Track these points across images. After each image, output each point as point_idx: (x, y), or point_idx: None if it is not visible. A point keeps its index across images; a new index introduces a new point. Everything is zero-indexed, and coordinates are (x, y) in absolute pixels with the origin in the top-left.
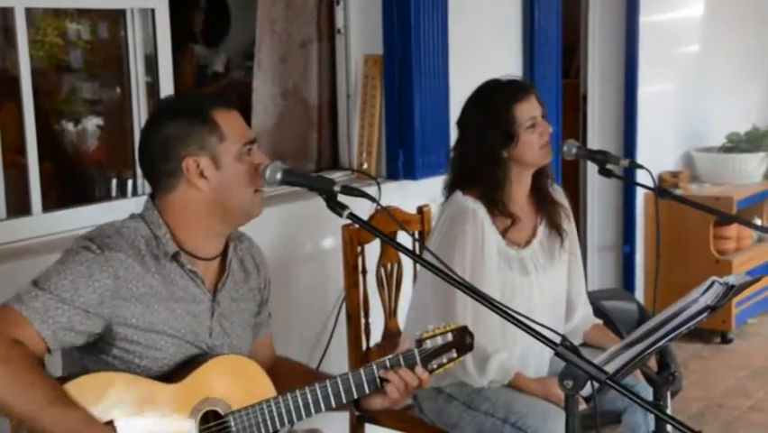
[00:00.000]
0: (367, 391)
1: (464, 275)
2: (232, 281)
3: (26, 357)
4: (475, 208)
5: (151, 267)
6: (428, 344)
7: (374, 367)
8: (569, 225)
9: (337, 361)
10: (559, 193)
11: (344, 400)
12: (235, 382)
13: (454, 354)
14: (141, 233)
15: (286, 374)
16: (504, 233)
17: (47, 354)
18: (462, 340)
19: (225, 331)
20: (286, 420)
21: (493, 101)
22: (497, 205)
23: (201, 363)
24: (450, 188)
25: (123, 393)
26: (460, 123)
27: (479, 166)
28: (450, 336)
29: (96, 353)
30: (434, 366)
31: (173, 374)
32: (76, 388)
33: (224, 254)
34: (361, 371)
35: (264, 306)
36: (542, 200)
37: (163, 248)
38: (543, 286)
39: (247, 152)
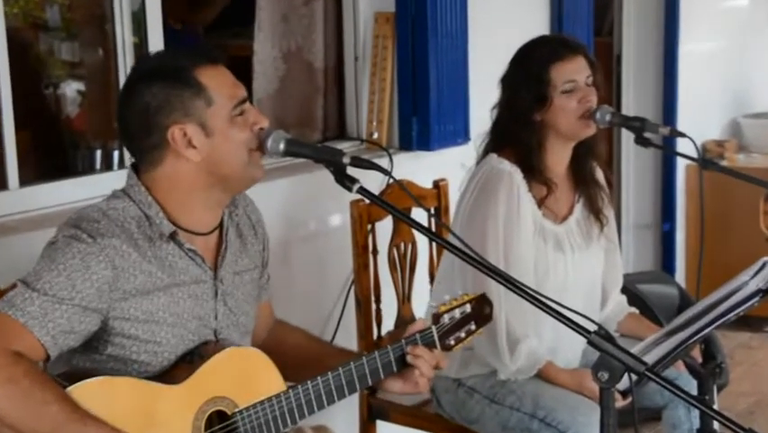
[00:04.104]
0: (382, 376)
1: (497, 242)
2: (231, 254)
3: (33, 371)
4: (512, 172)
5: (147, 251)
6: (446, 318)
7: (389, 350)
8: (609, 211)
9: None
10: (599, 174)
11: (358, 389)
12: (241, 377)
13: (473, 327)
14: (130, 213)
15: (286, 344)
16: (540, 202)
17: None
18: (481, 310)
19: (231, 310)
20: (297, 415)
21: (530, 56)
22: (533, 171)
23: (204, 358)
24: (484, 150)
25: (124, 401)
26: (501, 78)
27: (512, 127)
28: (468, 308)
29: (88, 352)
30: (452, 342)
31: (175, 371)
32: (75, 397)
33: (220, 225)
34: (376, 354)
35: (265, 268)
36: (581, 177)
37: (157, 229)
38: (577, 268)
39: (240, 112)
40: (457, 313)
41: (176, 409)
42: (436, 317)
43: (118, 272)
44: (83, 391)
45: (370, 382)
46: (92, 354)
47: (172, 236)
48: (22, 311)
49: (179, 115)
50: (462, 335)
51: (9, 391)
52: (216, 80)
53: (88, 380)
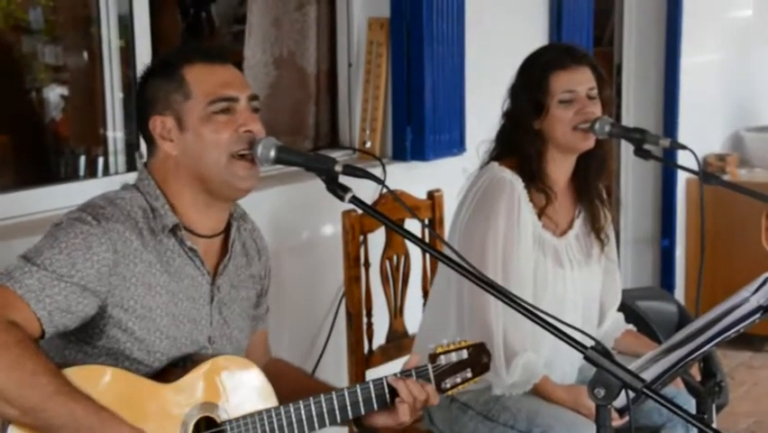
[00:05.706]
0: (375, 407)
1: (497, 254)
2: (233, 265)
3: (25, 340)
4: (513, 181)
5: (149, 242)
6: (442, 360)
7: (384, 380)
8: (610, 231)
9: (335, 366)
10: (604, 191)
11: (351, 416)
12: (234, 386)
13: (469, 374)
14: (137, 203)
15: (282, 380)
16: (540, 213)
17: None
18: (479, 358)
19: (225, 320)
20: None
21: (534, 63)
22: (533, 179)
23: (198, 362)
24: (488, 158)
25: (113, 390)
26: (509, 86)
27: (513, 135)
28: (465, 354)
29: (81, 343)
30: (448, 385)
31: (167, 373)
32: None
33: (226, 234)
34: (370, 383)
35: (264, 297)
36: (584, 192)
37: (161, 221)
38: (576, 284)
39: (221, 110)
40: (454, 356)
41: (165, 408)
42: (433, 357)
43: (119, 257)
44: (73, 375)
45: (362, 411)
46: (85, 346)
47: (174, 231)
48: (19, 283)
49: (162, 106)
50: (458, 380)
51: None
52: (200, 77)
53: (80, 366)
